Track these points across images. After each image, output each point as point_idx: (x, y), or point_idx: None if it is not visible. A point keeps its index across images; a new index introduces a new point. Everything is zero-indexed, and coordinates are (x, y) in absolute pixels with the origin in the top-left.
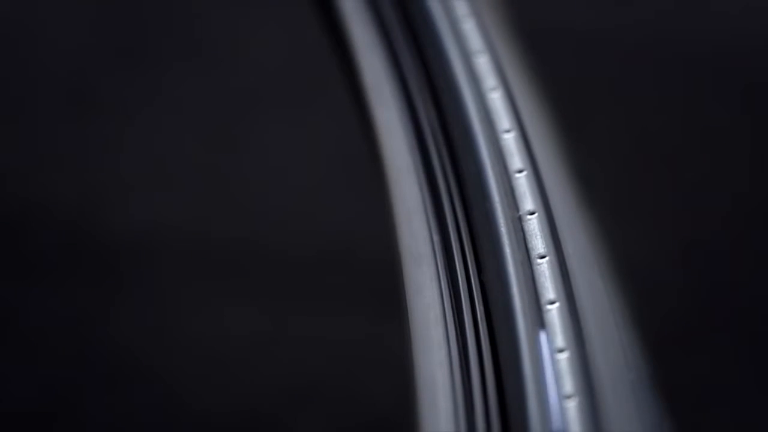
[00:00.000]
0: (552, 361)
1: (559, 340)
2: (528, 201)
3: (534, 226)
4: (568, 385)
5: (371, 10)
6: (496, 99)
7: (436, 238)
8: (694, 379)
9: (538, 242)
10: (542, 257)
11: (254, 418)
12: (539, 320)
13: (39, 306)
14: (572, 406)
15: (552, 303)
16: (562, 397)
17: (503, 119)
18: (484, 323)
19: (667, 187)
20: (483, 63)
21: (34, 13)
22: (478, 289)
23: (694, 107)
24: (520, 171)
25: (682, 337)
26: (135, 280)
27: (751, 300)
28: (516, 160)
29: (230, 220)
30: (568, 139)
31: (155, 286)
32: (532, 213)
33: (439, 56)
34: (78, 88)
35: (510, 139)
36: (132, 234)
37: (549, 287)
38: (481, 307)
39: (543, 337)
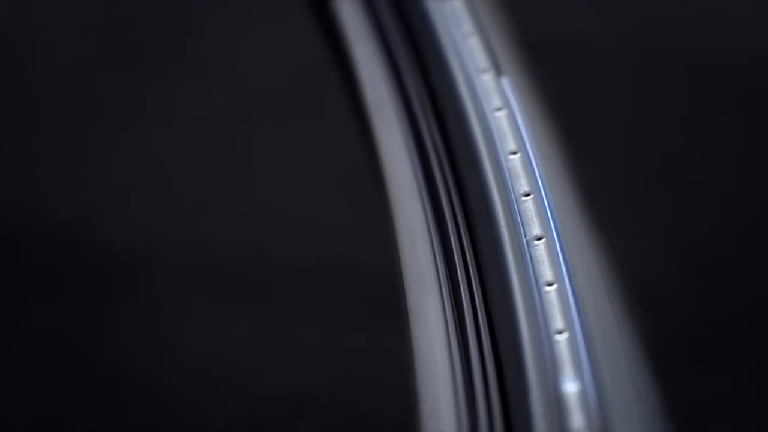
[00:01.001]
0: (562, 393)
1: (569, 372)
2: (535, 226)
3: (542, 252)
4: (578, 418)
5: (374, 27)
6: (501, 119)
7: (440, 264)
8: (701, 394)
9: (546, 269)
10: (550, 285)
11: (253, 429)
12: (548, 351)
13: (33, 317)
14: None
15: (560, 333)
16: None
17: (509, 140)
18: (491, 355)
19: (672, 199)
20: (488, 81)
21: (31, 19)
22: (485, 318)
23: (698, 116)
24: (527, 194)
25: (690, 352)
26: (132, 291)
27: (760, 312)
28: (523, 183)
29: (229, 232)
30: (572, 150)
31: (153, 297)
32: (540, 238)
33: (443, 74)
34: (75, 98)
35: (516, 161)
36: (129, 245)
37: (557, 316)
38: (488, 338)
39: (551, 368)
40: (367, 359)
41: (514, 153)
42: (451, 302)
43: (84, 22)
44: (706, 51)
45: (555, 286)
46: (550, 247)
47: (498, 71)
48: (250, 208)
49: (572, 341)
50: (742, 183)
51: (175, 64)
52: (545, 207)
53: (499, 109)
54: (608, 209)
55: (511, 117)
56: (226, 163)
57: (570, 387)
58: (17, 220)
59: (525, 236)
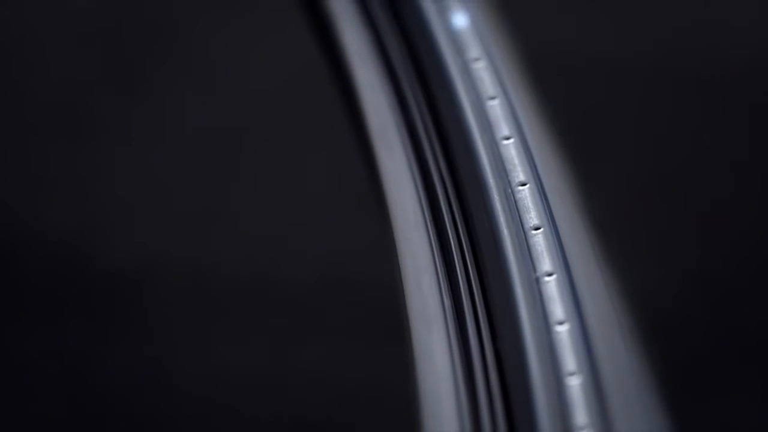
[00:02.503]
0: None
1: (581, 416)
2: (546, 261)
3: (552, 289)
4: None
5: (379, 51)
6: (510, 147)
7: (447, 301)
8: (713, 418)
9: (557, 308)
10: (561, 323)
11: None
12: (560, 395)
13: (29, 340)
14: None
15: (573, 374)
16: None
17: (518, 171)
18: (500, 396)
19: (681, 217)
20: (496, 108)
21: (27, 36)
22: (493, 358)
23: (707, 133)
24: (537, 228)
25: (696, 373)
26: (130, 312)
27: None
28: (532, 216)
29: (229, 251)
30: (579, 171)
31: (151, 319)
32: (551, 274)
33: (449, 101)
34: (70, 113)
35: (525, 192)
36: (127, 266)
37: (569, 357)
38: (496, 378)
39: (564, 411)
40: (368, 383)
41: (524, 184)
42: (459, 340)
43: (78, 37)
44: (716, 67)
45: (566, 326)
46: (561, 283)
47: (506, 97)
48: (250, 227)
49: (585, 383)
50: (754, 202)
51: (172, 79)
52: (556, 241)
53: (507, 138)
54: (617, 229)
55: (520, 146)
56: (225, 180)
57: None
58: (11, 239)
59: (535, 272)
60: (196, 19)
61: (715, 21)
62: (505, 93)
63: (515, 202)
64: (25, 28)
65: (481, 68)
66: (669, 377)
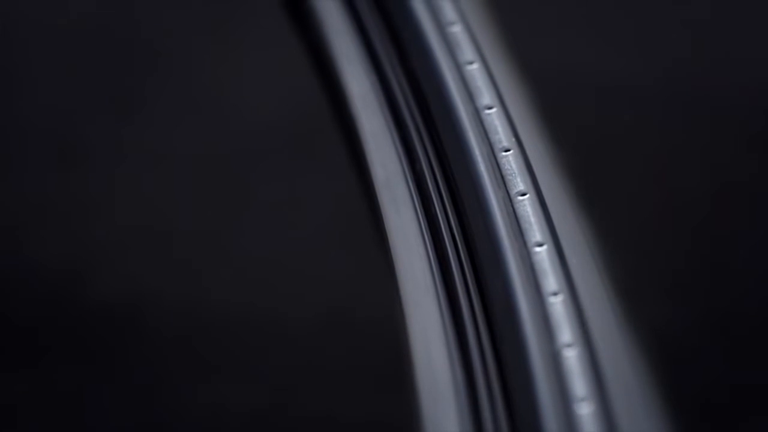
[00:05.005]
0: None
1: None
2: (565, 331)
3: (573, 363)
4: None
5: (386, 100)
6: (526, 205)
7: (459, 372)
8: None
9: (578, 383)
10: (583, 400)
11: None
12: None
13: (13, 383)
14: None
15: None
16: None
17: (534, 231)
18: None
19: (693, 250)
20: (510, 160)
21: (15, 61)
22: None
23: (724, 164)
24: (555, 294)
25: (710, 415)
26: (122, 353)
27: None
28: (551, 281)
29: (226, 287)
30: (589, 207)
31: (144, 359)
32: (570, 345)
33: (461, 151)
34: (59, 141)
35: (543, 254)
36: (119, 302)
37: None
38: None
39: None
40: (371, 427)
41: (541, 245)
42: (472, 416)
43: (67, 61)
44: (734, 96)
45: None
46: (582, 356)
47: (521, 149)
48: (248, 262)
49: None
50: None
51: (163, 104)
52: (576, 309)
53: (523, 194)
54: (627, 262)
55: (537, 202)
56: (221, 213)
57: None
58: None
59: (555, 344)
60: (189, 41)
61: (727, 48)
62: (520, 145)
63: (532, 264)
64: (13, 53)
65: (493, 115)
66: (676, 413)
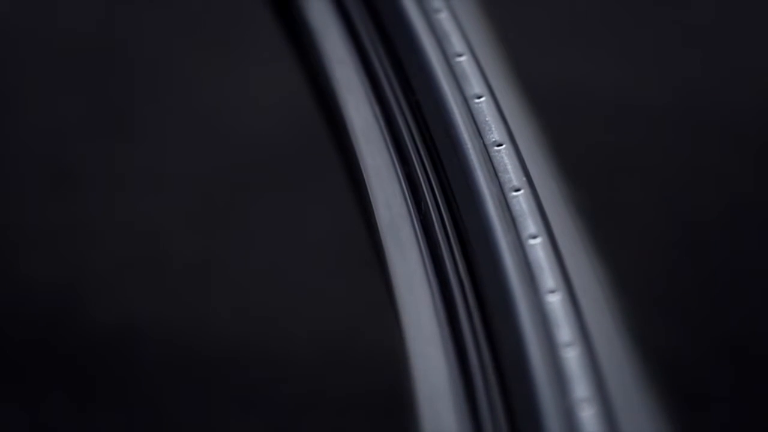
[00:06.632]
0: None
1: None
2: (581, 385)
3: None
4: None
5: (389, 132)
6: (537, 247)
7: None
8: None
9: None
10: (583, 400)
11: None
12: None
13: (6, 414)
14: None
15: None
16: None
17: (547, 276)
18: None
19: (705, 272)
20: (520, 201)
21: (11, 85)
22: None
23: (730, 180)
24: (569, 344)
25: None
26: (118, 383)
27: None
28: (565, 332)
29: (222, 316)
30: (597, 229)
31: (140, 391)
32: (586, 399)
33: (467, 189)
34: (54, 166)
35: (556, 303)
36: (113, 332)
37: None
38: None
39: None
40: None
41: (553, 291)
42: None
43: (64, 83)
44: (740, 114)
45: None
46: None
47: (531, 188)
48: (244, 288)
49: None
50: None
51: (160, 127)
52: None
53: (534, 237)
54: (635, 285)
55: (547, 246)
56: (218, 240)
57: None
58: None
59: (568, 399)
60: (178, 63)
61: (738, 67)
62: (531, 185)
63: (544, 312)
64: (8, 75)
65: (503, 152)
66: None
